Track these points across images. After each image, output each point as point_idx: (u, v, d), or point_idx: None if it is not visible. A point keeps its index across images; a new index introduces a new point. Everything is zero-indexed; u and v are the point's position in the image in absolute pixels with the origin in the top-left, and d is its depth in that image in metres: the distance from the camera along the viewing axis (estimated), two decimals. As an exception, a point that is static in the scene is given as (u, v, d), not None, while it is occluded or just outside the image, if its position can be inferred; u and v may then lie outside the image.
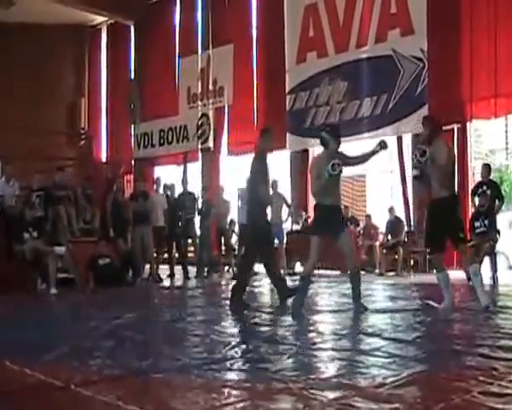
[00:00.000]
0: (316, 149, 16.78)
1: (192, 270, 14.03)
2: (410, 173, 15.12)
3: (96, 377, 4.22)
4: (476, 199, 11.90)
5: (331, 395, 3.66)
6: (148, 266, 13.51)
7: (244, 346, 5.21)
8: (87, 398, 3.74)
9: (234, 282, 9.00)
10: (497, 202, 11.72)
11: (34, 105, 20.50)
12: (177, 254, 14.53)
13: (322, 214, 7.29)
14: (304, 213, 15.37)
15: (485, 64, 13.49)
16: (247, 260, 8.71)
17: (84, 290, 11.03)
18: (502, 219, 12.62)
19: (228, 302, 8.25)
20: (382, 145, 7.45)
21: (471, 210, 12.68)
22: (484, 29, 13.57)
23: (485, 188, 11.79)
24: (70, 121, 22.91)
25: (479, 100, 13.70)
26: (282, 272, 13.92)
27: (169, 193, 14.70)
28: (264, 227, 8.43)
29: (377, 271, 13.67)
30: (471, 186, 13.00)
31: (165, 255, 14.52)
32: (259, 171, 8.26)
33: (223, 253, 15.09)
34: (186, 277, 13.82)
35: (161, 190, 14.72)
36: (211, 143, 19.03)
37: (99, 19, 22.72)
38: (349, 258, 7.51)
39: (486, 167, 12.19)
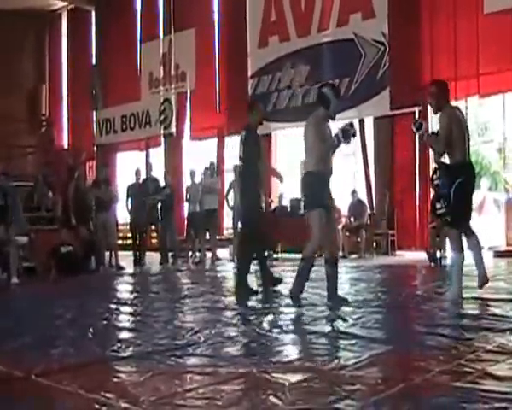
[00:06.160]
0: (278, 133, 16.88)
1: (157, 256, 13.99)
2: (371, 156, 15.28)
3: (58, 366, 4.17)
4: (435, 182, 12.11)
5: (293, 378, 3.66)
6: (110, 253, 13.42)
7: (207, 331, 5.20)
8: (48, 388, 3.70)
9: (235, 270, 8.82)
10: None
11: (-7, 92, 20.20)
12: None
13: (323, 183, 6.63)
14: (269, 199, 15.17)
15: (445, 47, 13.64)
16: (247, 245, 8.09)
17: (46, 279, 10.93)
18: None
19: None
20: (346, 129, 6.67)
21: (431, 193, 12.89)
22: (444, 12, 13.73)
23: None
24: (30, 108, 22.63)
25: (439, 83, 13.83)
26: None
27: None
28: (259, 209, 8.16)
29: (340, 253, 13.73)
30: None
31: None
32: (254, 148, 7.69)
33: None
34: (140, 263, 13.80)
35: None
36: (173, 129, 18.96)
37: (59, 4, 22.44)
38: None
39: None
